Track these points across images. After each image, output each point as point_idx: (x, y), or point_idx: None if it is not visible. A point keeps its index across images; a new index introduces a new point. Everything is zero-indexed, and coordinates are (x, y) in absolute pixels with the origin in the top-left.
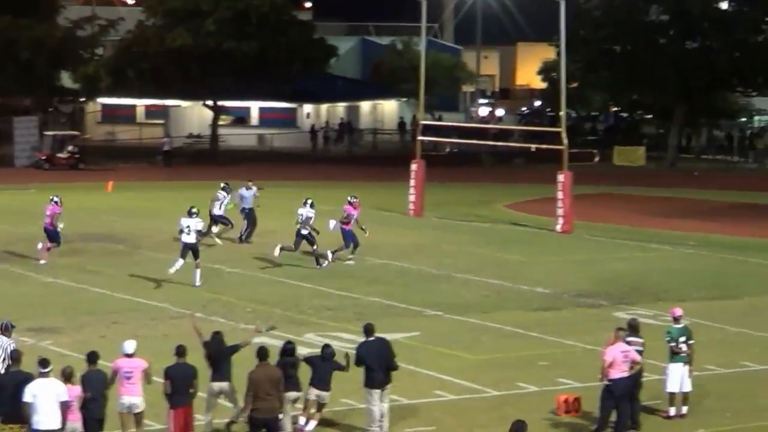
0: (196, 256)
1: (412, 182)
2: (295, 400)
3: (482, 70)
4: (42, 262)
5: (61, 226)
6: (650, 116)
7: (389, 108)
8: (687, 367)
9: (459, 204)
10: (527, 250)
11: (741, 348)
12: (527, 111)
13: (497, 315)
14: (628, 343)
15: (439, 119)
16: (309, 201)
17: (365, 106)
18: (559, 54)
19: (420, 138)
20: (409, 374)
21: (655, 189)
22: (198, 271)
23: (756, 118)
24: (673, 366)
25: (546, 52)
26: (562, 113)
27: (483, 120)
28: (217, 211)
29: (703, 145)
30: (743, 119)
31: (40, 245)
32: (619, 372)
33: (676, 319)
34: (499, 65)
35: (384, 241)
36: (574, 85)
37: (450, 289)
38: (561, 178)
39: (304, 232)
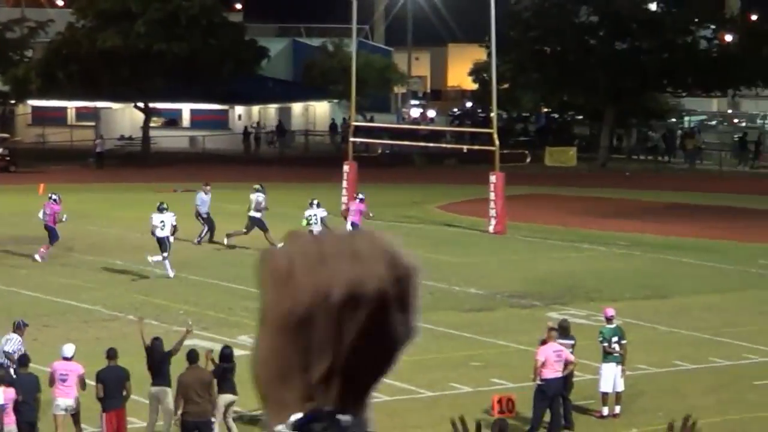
0: (163, 250)
1: (345, 184)
2: (230, 403)
3: (413, 71)
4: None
5: (65, 218)
6: (581, 117)
7: (321, 109)
8: (620, 367)
9: (391, 205)
10: (460, 251)
11: (672, 347)
12: (459, 112)
13: (431, 316)
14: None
15: (371, 120)
16: (315, 201)
17: (297, 107)
18: (489, 55)
19: (352, 139)
20: None
21: (587, 189)
22: (164, 263)
23: (686, 118)
24: (605, 366)
25: (477, 53)
26: (493, 114)
27: (414, 121)
28: (253, 213)
29: (634, 146)
30: (673, 119)
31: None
32: (552, 372)
33: (609, 319)
34: (430, 66)
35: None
36: (505, 86)
37: None
38: (493, 178)
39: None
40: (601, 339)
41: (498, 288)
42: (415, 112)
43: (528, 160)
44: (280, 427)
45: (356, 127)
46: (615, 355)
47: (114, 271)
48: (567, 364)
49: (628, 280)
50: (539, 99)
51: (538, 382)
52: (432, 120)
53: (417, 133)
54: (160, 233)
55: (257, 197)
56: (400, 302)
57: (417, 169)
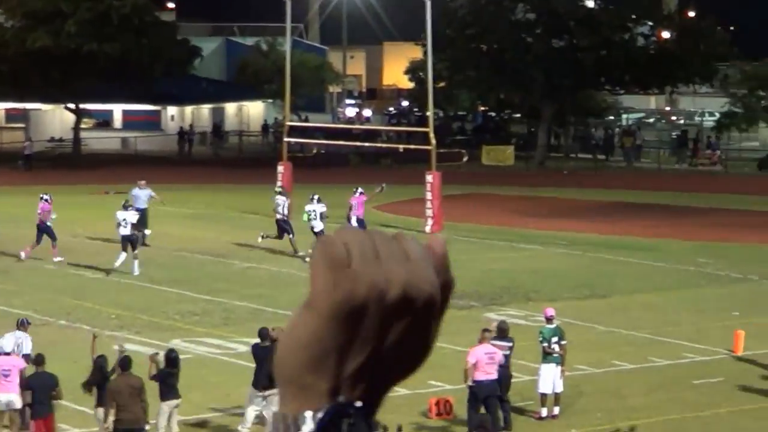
0: (134, 247)
1: (279, 184)
2: (175, 407)
3: (348, 70)
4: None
5: (53, 216)
6: (519, 115)
7: (255, 109)
8: (559, 368)
9: (327, 206)
10: None
11: (611, 347)
12: (395, 111)
13: None
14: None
15: (306, 120)
16: (316, 197)
17: (230, 107)
18: (425, 53)
19: (286, 139)
20: None
21: (525, 188)
22: (136, 262)
23: (624, 116)
24: (545, 366)
25: (413, 52)
26: (429, 113)
27: (350, 120)
28: (280, 215)
29: (572, 144)
30: (611, 117)
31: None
32: (484, 374)
33: (549, 319)
34: (366, 65)
35: (252, 244)
36: (442, 84)
37: None
38: (430, 178)
39: (318, 228)
40: (541, 339)
41: None
42: (351, 112)
43: (465, 159)
44: (305, 417)
45: (291, 127)
46: (554, 355)
47: (46, 275)
48: (501, 366)
49: (566, 280)
50: (476, 97)
51: (470, 384)
52: (368, 119)
53: (352, 133)
54: (122, 231)
55: (276, 200)
56: (441, 309)
57: (352, 169)
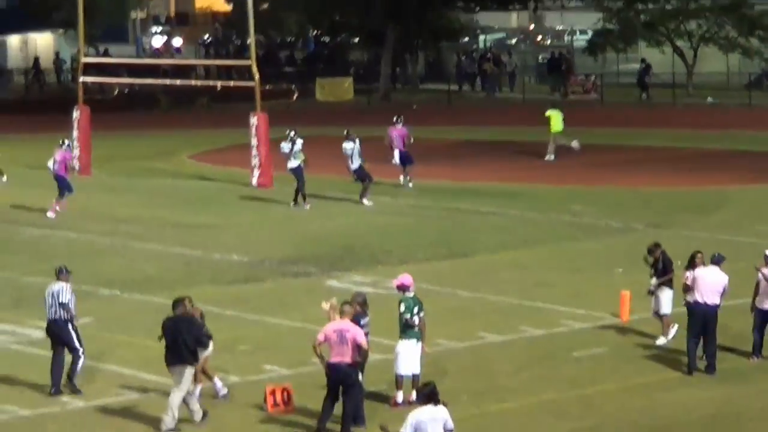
0: None
1: (75, 133)
2: None
3: None
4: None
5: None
6: (357, 40)
7: (44, 42)
8: (420, 344)
9: (134, 157)
10: (218, 211)
11: (476, 316)
12: (210, 40)
13: (185, 291)
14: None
15: (106, 54)
16: (347, 131)
17: (14, 40)
18: None
19: (82, 79)
20: (84, 370)
21: (367, 128)
22: None
23: (481, 37)
24: (406, 343)
25: None
26: (251, 41)
27: (157, 53)
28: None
29: (422, 74)
30: (466, 39)
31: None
32: (335, 356)
33: (405, 288)
34: None
35: (42, 206)
36: (265, 6)
37: (127, 263)
38: (254, 120)
39: (354, 166)
40: (403, 310)
41: (266, 254)
42: (158, 42)
43: (295, 96)
44: None
45: (87, 64)
46: (416, 330)
47: None
48: (360, 349)
49: (420, 237)
50: (306, 20)
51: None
52: (178, 50)
53: (161, 69)
54: None
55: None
56: None
57: (162, 112)
